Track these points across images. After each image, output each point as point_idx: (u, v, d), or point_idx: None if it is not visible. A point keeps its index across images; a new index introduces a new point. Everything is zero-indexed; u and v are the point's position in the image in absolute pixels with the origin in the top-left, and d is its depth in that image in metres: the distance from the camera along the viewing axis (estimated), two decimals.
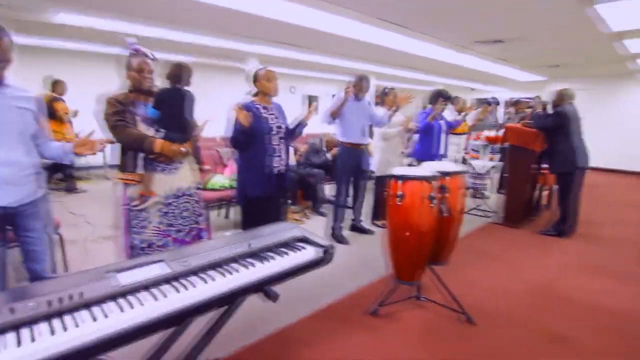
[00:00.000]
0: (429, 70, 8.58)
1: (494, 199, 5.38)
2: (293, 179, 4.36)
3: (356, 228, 3.99)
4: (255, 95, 2.64)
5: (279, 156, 2.58)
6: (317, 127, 3.79)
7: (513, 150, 4.22)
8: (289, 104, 8.58)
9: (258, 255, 1.43)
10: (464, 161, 5.64)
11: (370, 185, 4.22)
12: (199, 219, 2.20)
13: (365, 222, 4.08)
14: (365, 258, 3.31)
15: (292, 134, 2.75)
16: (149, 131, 2.02)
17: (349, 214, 3.94)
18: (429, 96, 4.30)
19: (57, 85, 5.25)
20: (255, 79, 2.57)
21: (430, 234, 2.27)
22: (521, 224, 4.30)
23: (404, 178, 2.15)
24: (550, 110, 4.09)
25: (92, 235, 3.66)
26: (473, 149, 5.31)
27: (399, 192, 2.15)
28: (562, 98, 3.90)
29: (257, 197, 2.53)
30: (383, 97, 3.99)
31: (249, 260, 1.39)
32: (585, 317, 2.43)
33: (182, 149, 2.05)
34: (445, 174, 2.33)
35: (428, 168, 2.33)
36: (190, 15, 4.04)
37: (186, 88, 2.10)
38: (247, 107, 2.48)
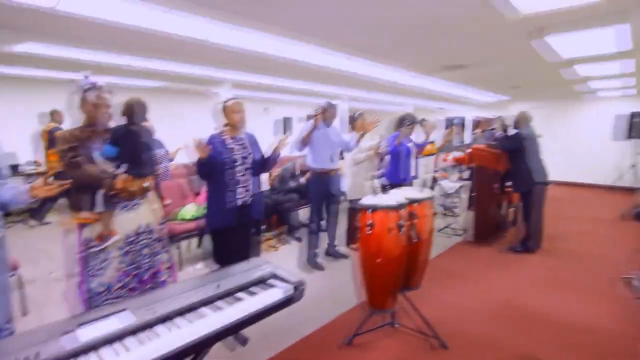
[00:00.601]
0: (399, 92, 8.88)
1: (464, 217, 5.55)
2: (267, 205, 4.35)
3: (331, 253, 4.00)
4: (226, 125, 2.66)
5: (244, 187, 2.57)
6: (291, 151, 3.83)
7: (479, 171, 4.40)
8: (263, 126, 8.65)
9: (227, 297, 1.41)
10: (435, 181, 5.83)
11: (344, 207, 4.27)
12: (157, 257, 2.14)
13: (340, 246, 4.10)
14: (341, 284, 3.32)
15: (265, 164, 2.77)
16: (108, 167, 1.97)
17: (325, 239, 3.96)
18: (394, 121, 4.45)
19: (56, 115, 5.40)
20: (223, 110, 2.59)
21: (401, 260, 2.32)
22: (490, 242, 4.44)
23: (373, 208, 2.20)
24: (511, 132, 4.32)
25: (53, 272, 3.48)
26: (443, 169, 5.50)
27: (369, 221, 2.20)
28: (520, 121, 4.14)
29: (222, 228, 2.52)
30: (353, 122, 4.10)
31: (218, 304, 1.37)
32: (553, 336, 2.52)
33: (144, 184, 2.02)
34: (413, 201, 2.41)
35: (396, 196, 2.39)
36: (160, 44, 4.04)
37: (143, 123, 2.09)
38: (211, 138, 2.50)
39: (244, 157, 2.55)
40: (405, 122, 4.16)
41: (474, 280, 3.43)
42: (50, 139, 5.22)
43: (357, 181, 4.04)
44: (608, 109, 8.78)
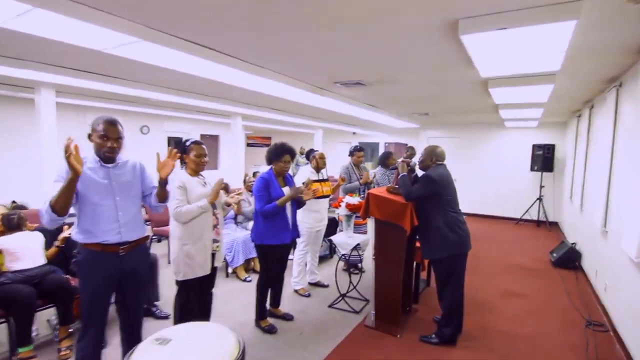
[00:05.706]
0: (300, 114, 7.62)
1: (370, 270, 4.28)
2: (29, 296, 2.50)
3: None
4: None
5: None
6: (50, 224, 2.08)
7: (379, 227, 3.11)
8: (141, 148, 6.50)
9: None
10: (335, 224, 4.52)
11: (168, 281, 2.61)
12: None
13: None
14: None
15: None
16: None
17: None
18: (266, 154, 3.02)
19: None
20: None
21: None
22: (398, 324, 3.14)
23: None
24: (418, 172, 3.15)
25: None
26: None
27: None
28: (430, 158, 2.97)
29: None
30: (182, 155, 2.54)
31: None
32: None
33: None
34: None
35: None
36: None
37: None
38: None
39: None
40: (276, 155, 2.75)
41: None
42: None
43: (185, 251, 2.44)
44: (520, 138, 8.47)
